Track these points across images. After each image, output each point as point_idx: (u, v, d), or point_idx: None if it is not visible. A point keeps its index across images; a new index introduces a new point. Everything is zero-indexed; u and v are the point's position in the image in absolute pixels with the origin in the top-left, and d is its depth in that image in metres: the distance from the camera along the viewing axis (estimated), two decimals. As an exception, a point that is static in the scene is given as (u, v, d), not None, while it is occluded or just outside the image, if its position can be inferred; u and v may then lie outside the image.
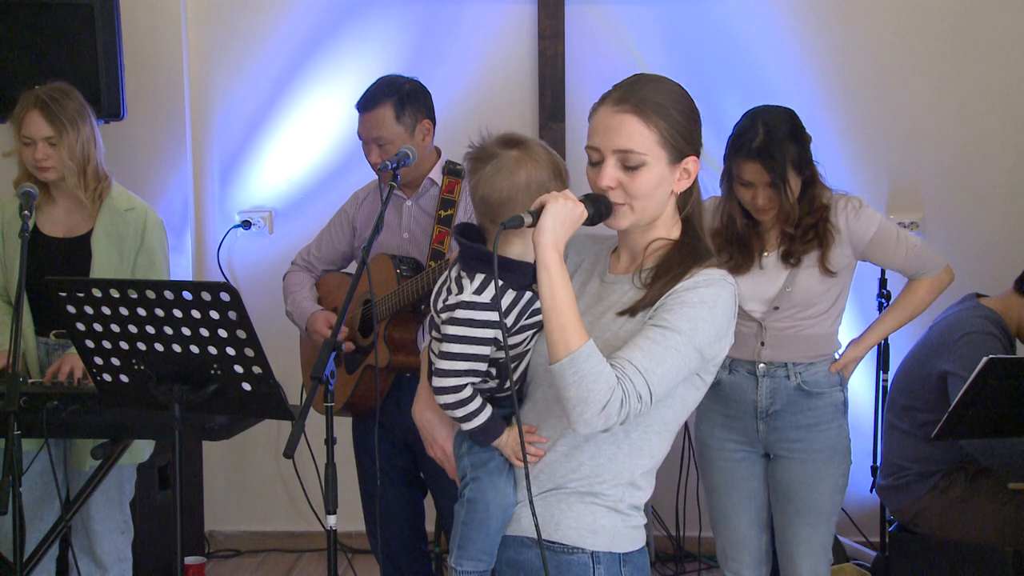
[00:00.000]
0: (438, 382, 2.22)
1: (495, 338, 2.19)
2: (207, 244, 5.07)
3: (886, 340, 4.39)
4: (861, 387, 4.65)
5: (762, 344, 3.36)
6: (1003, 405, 3.23)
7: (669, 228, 2.26)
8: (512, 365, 2.25)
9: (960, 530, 3.79)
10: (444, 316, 2.22)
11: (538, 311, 2.21)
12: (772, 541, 3.51)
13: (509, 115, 4.83)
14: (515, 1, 4.90)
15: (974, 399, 3.19)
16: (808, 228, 3.29)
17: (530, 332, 2.25)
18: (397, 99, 3.52)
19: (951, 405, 3.56)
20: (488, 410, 2.24)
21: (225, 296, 2.58)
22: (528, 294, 2.22)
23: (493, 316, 2.18)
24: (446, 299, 2.24)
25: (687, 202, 2.26)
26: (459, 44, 4.87)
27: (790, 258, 3.31)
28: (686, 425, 4.29)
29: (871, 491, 4.24)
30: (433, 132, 3.61)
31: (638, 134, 2.17)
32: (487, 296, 2.17)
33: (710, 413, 3.48)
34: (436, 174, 3.60)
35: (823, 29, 4.87)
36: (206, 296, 2.59)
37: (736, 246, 3.35)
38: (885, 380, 4.40)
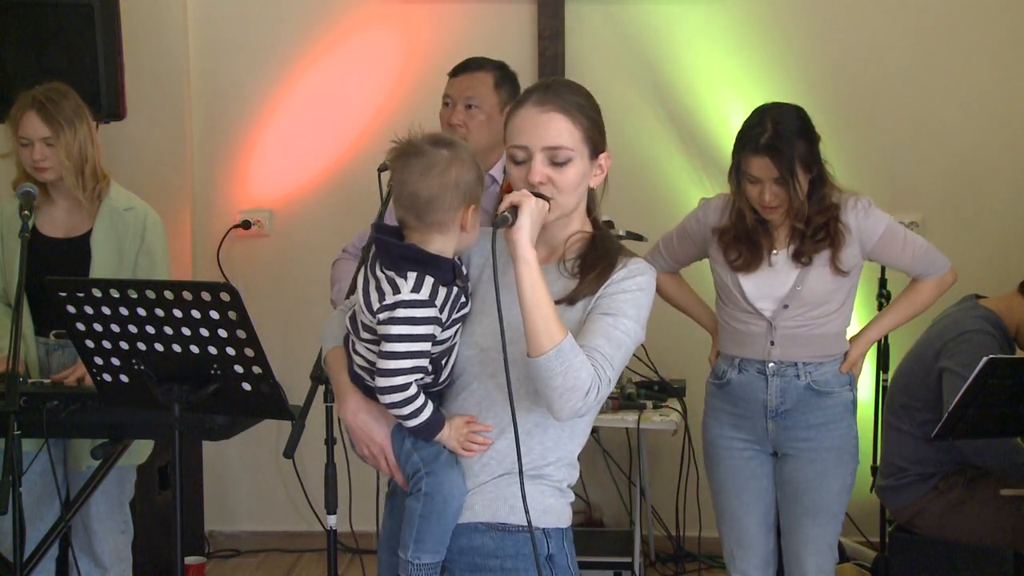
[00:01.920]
0: (384, 382, 2.25)
1: (433, 334, 2.26)
2: (207, 244, 5.07)
3: (886, 340, 4.40)
4: (861, 387, 4.64)
5: (772, 344, 3.36)
6: (1003, 405, 3.23)
7: (583, 222, 2.41)
8: (444, 359, 2.32)
9: (956, 532, 3.79)
10: (383, 316, 2.25)
11: (463, 305, 2.32)
12: (778, 541, 3.50)
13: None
14: (515, 1, 4.90)
15: (974, 399, 3.19)
16: (819, 227, 3.30)
17: (457, 326, 2.33)
18: (500, 72, 3.59)
19: (945, 403, 3.59)
20: (430, 405, 2.29)
21: (225, 296, 2.58)
22: (455, 289, 2.29)
23: (431, 312, 2.24)
24: (381, 300, 2.26)
25: (595, 201, 2.43)
26: (459, 44, 4.86)
27: (801, 257, 3.31)
28: (688, 426, 4.30)
29: (871, 491, 4.24)
30: None
31: (566, 131, 2.31)
32: (424, 293, 2.24)
33: (719, 412, 3.47)
34: (498, 171, 3.56)
35: (824, 29, 4.87)
36: (206, 296, 2.59)
37: (745, 244, 3.35)
38: (885, 380, 4.40)
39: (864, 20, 4.86)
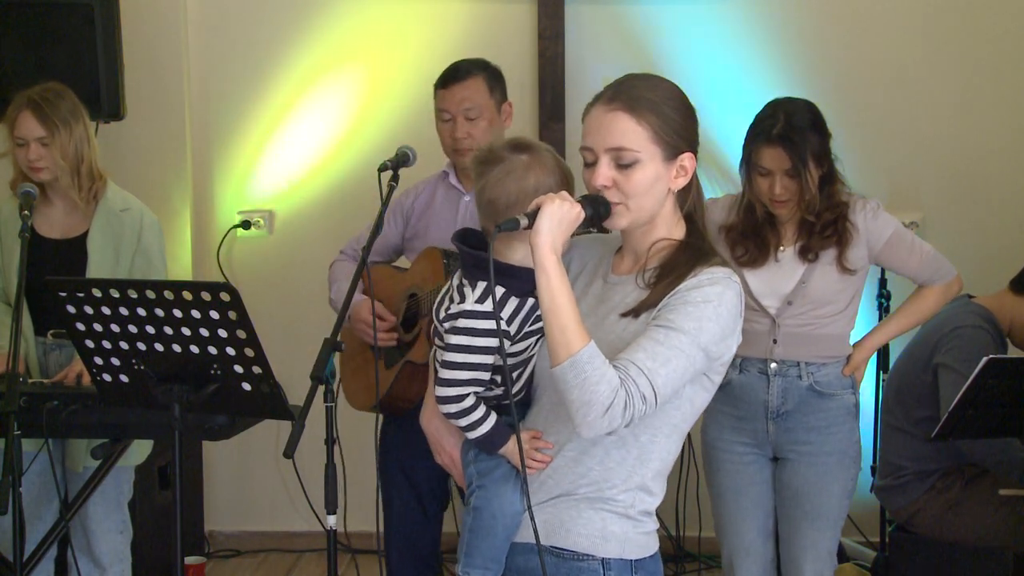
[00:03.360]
0: (441, 392, 2.21)
1: (498, 347, 2.18)
2: (207, 244, 5.06)
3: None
4: (861, 387, 4.64)
5: (775, 342, 3.35)
6: (1003, 405, 3.23)
7: (671, 228, 2.24)
8: (517, 372, 2.25)
9: (955, 532, 3.79)
10: (447, 325, 2.22)
11: (541, 317, 2.19)
12: (777, 548, 3.49)
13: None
14: (515, 1, 4.90)
15: (973, 399, 3.19)
16: (828, 224, 3.29)
17: (533, 339, 2.24)
18: (489, 73, 3.55)
19: (942, 398, 3.59)
20: (492, 419, 2.23)
21: (225, 296, 2.58)
22: (531, 300, 2.21)
23: (495, 324, 2.16)
24: (448, 308, 2.23)
25: (686, 200, 2.25)
26: (459, 44, 4.86)
27: (808, 253, 3.31)
28: (686, 425, 4.30)
29: (870, 491, 4.25)
30: (512, 115, 3.59)
31: (630, 131, 2.16)
32: (489, 305, 2.16)
33: (719, 415, 3.45)
34: None
35: (824, 29, 4.87)
36: (206, 296, 2.58)
37: (752, 239, 3.35)
38: (886, 380, 4.40)
39: (864, 21, 4.86)
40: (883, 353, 4.46)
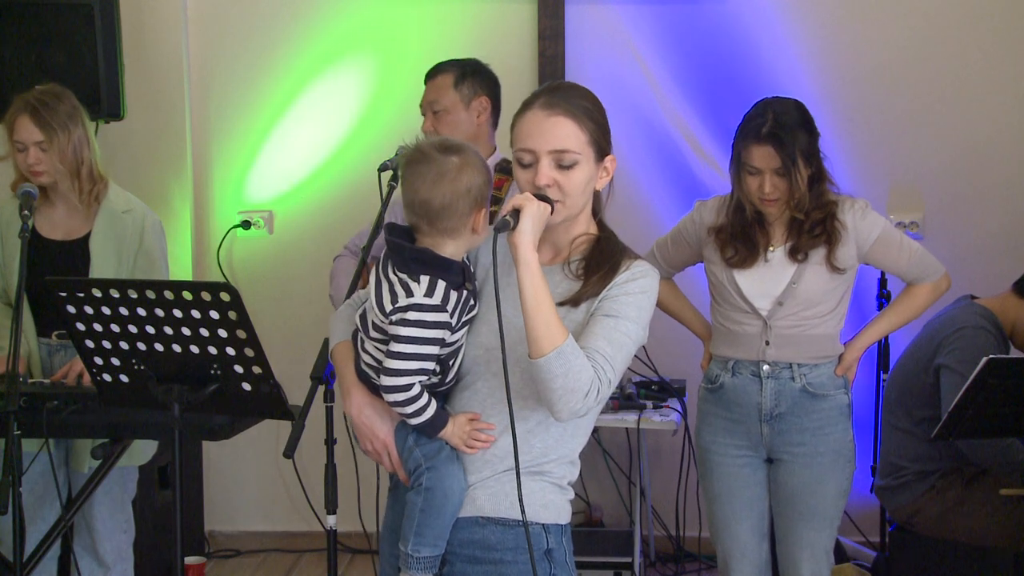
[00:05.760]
0: (388, 381, 2.30)
1: (443, 338, 2.30)
2: (207, 244, 5.07)
3: (886, 341, 4.41)
4: (861, 387, 4.65)
5: (767, 343, 3.35)
6: (1003, 405, 3.23)
7: (588, 224, 2.44)
8: (451, 360, 2.37)
9: (955, 532, 3.79)
10: (394, 318, 2.28)
11: (472, 307, 2.36)
12: (771, 549, 3.49)
13: (509, 115, 4.81)
14: (515, 1, 4.90)
15: (973, 399, 3.19)
16: (816, 223, 3.29)
17: (466, 327, 2.37)
18: (459, 70, 3.65)
19: (943, 400, 3.59)
20: (434, 404, 2.34)
21: (225, 296, 2.58)
22: (465, 292, 2.33)
23: (442, 317, 2.28)
24: (394, 301, 2.29)
25: (600, 203, 2.46)
26: (459, 44, 4.86)
27: (797, 253, 3.31)
28: (687, 426, 4.31)
29: (870, 491, 4.25)
30: (491, 111, 3.66)
31: (572, 135, 2.34)
32: (437, 298, 2.27)
33: (712, 418, 3.46)
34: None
35: (824, 29, 4.88)
36: (206, 296, 2.59)
37: (741, 240, 3.35)
38: (885, 380, 4.40)
39: (864, 20, 4.86)
40: (883, 353, 4.46)
